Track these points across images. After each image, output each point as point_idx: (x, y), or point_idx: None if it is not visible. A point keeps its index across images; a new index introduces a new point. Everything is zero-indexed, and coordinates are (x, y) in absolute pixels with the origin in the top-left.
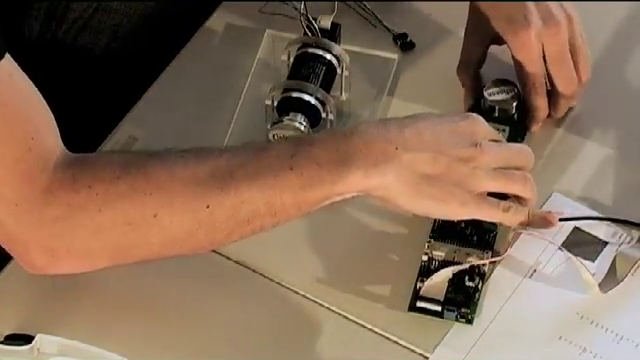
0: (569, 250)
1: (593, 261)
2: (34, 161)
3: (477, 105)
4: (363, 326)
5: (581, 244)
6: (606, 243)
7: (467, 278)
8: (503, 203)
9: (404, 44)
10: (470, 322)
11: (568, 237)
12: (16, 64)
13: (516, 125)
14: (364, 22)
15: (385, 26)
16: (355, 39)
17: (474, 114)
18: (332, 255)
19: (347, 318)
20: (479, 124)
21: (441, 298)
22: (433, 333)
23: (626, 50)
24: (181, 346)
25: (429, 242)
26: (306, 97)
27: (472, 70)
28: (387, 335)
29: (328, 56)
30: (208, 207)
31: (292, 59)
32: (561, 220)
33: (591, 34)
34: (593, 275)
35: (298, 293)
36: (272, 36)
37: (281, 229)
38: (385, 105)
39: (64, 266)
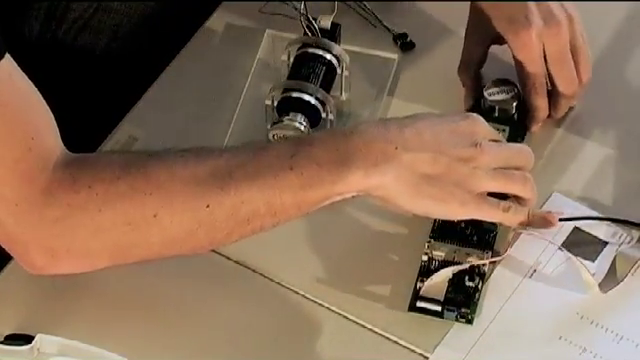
0: (569, 250)
1: (593, 261)
2: (34, 161)
3: (477, 105)
4: (363, 326)
5: (581, 244)
6: (606, 243)
7: (467, 278)
8: (503, 203)
9: (404, 44)
10: (470, 322)
11: (568, 237)
12: (16, 64)
13: (516, 125)
14: (364, 22)
15: (385, 26)
16: (355, 39)
17: (474, 114)
18: (332, 255)
19: (347, 318)
20: (479, 124)
21: (441, 298)
22: (433, 333)
23: (626, 50)
24: (181, 346)
25: (429, 242)
26: (306, 97)
27: (473, 70)
28: (387, 335)
29: (328, 56)
30: (208, 207)
31: (292, 59)
32: (561, 220)
33: (591, 34)
34: (593, 275)
35: (298, 293)
36: (272, 36)
37: (281, 229)
38: (385, 105)
39: (64, 266)
